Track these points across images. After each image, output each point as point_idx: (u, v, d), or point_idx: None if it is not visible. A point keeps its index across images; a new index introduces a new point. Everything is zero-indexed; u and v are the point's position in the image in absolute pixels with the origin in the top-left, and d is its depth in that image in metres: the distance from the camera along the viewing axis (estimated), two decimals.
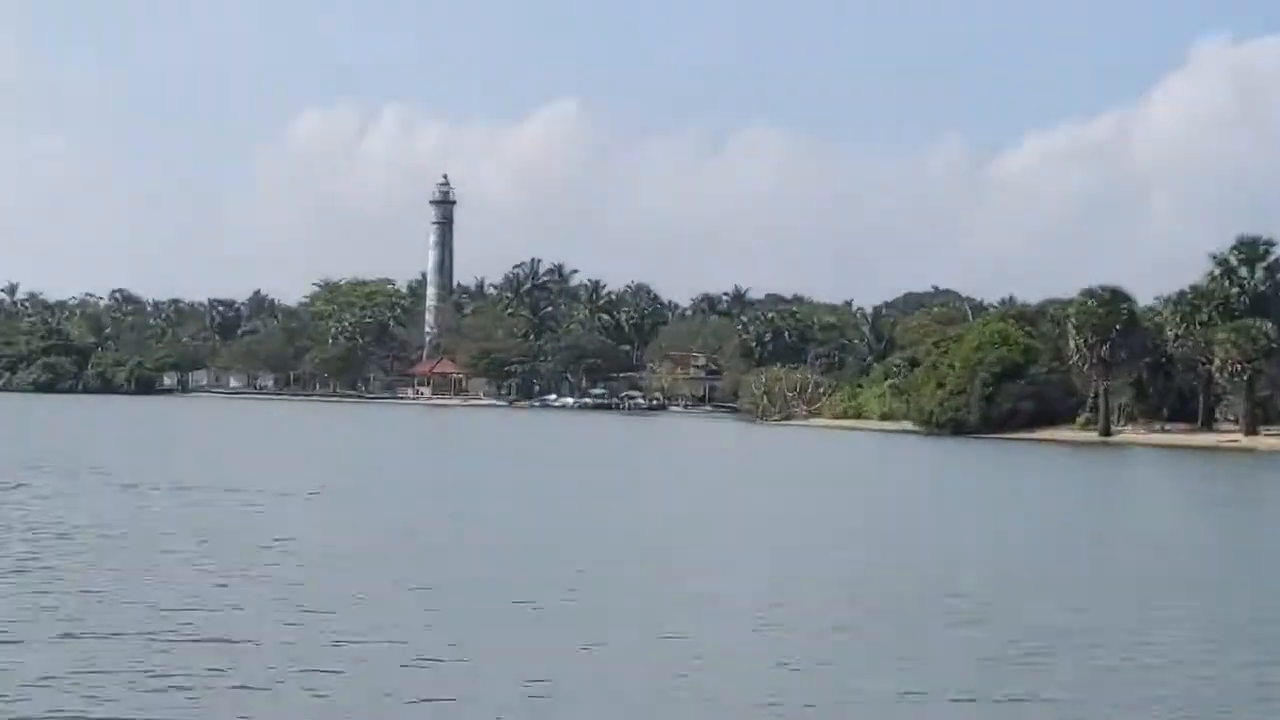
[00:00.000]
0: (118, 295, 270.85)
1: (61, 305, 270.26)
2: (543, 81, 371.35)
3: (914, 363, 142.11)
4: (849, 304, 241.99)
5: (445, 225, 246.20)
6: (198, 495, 47.24)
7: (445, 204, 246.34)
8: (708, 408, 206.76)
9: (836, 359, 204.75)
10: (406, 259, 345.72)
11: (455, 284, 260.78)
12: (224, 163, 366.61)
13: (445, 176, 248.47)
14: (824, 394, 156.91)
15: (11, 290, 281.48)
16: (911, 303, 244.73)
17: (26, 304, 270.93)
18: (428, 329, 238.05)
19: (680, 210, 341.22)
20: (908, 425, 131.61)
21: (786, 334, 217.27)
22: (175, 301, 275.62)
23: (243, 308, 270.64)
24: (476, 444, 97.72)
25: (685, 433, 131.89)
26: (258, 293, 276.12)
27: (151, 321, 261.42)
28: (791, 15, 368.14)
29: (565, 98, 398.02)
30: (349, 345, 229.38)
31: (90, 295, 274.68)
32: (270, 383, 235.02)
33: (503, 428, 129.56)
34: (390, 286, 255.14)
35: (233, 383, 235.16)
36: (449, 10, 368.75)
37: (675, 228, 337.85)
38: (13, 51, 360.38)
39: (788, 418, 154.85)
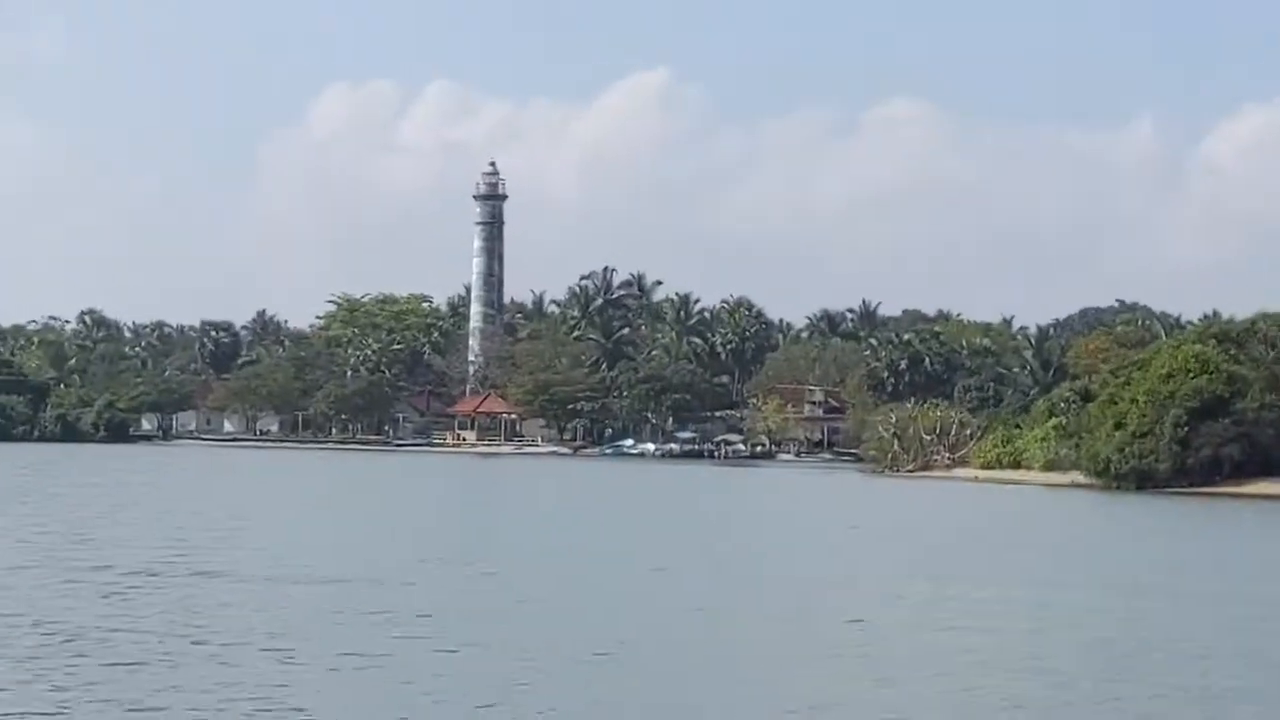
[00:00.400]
0: (87, 318, 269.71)
1: (19, 331, 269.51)
2: (625, 48, 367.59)
3: (1086, 395, 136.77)
4: (1008, 322, 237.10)
5: (493, 226, 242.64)
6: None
7: (493, 199, 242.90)
8: (826, 455, 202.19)
9: (991, 392, 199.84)
10: (449, 272, 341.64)
11: (508, 300, 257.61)
12: (228, 155, 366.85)
13: (493, 164, 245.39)
14: (971, 437, 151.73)
15: None
16: (1089, 321, 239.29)
17: None
18: (471, 357, 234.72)
19: (797, 207, 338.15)
20: (1078, 477, 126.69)
21: (928, 361, 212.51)
22: (159, 325, 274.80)
23: (244, 332, 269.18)
24: (508, 508, 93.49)
25: (790, 490, 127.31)
26: (262, 313, 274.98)
27: (129, 350, 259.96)
28: None
29: (652, 68, 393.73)
30: (372, 378, 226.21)
31: (54, 319, 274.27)
32: (275, 426, 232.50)
33: (555, 485, 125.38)
34: (426, 304, 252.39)
35: (228, 426, 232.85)
36: None
37: (790, 229, 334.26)
38: None
39: (924, 468, 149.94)
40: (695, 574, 50.77)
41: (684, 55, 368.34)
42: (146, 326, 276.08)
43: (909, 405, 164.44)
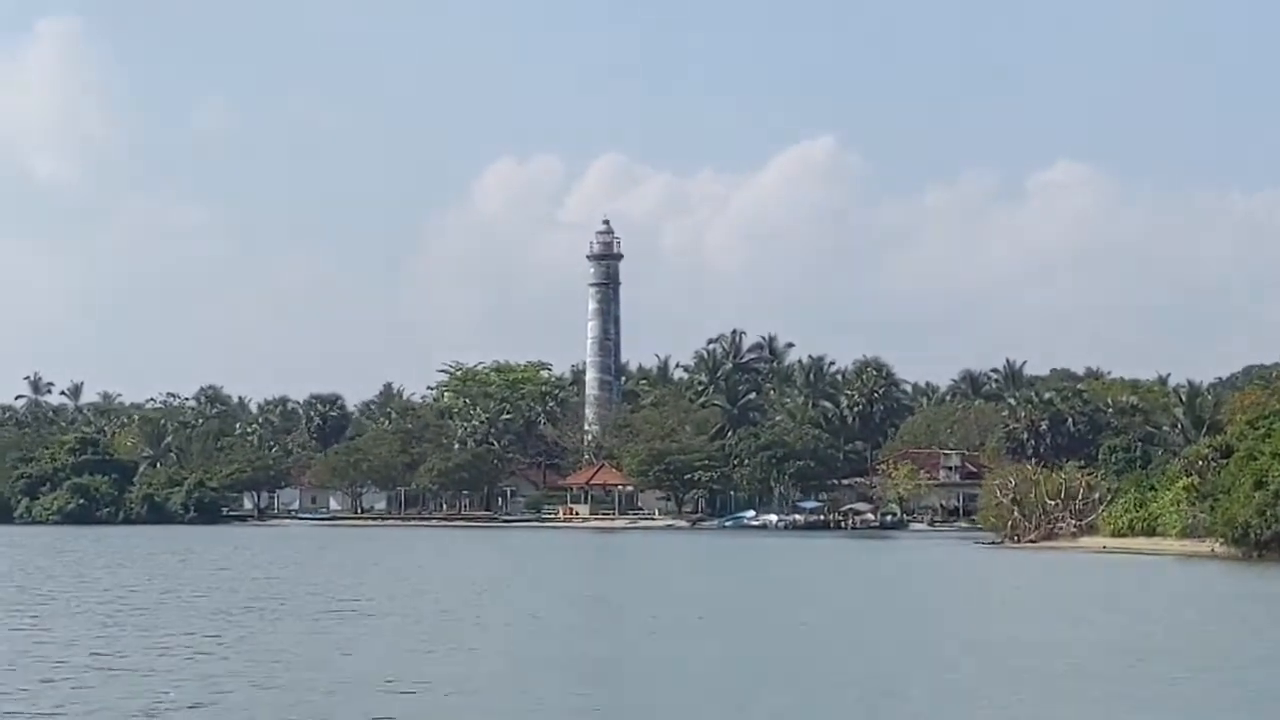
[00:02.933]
0: (203, 394, 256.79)
1: (136, 408, 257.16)
2: (791, 117, 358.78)
3: (1227, 451, 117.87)
4: (1163, 380, 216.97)
5: (607, 287, 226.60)
6: None
7: (607, 259, 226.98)
8: (963, 523, 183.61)
9: (1139, 453, 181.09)
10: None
11: (636, 367, 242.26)
12: (392, 233, 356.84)
13: (607, 222, 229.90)
14: (1100, 501, 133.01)
15: (75, 392, 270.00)
16: (1253, 379, 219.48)
17: (87, 410, 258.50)
18: (587, 426, 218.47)
19: (956, 272, 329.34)
20: (1217, 546, 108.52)
21: (1070, 421, 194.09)
22: (282, 401, 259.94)
23: (371, 407, 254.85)
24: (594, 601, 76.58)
25: (899, 567, 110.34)
26: (388, 386, 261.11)
27: (245, 428, 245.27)
28: (1102, 25, 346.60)
29: (816, 137, 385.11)
30: (479, 450, 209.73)
31: (173, 396, 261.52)
32: (383, 503, 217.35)
33: (654, 565, 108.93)
34: (546, 373, 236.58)
35: (333, 504, 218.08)
36: (674, 41, 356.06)
37: (947, 294, 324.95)
38: (154, 108, 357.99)
39: (1047, 537, 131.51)
40: None
41: (849, 123, 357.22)
42: (270, 403, 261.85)
43: (1027, 466, 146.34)
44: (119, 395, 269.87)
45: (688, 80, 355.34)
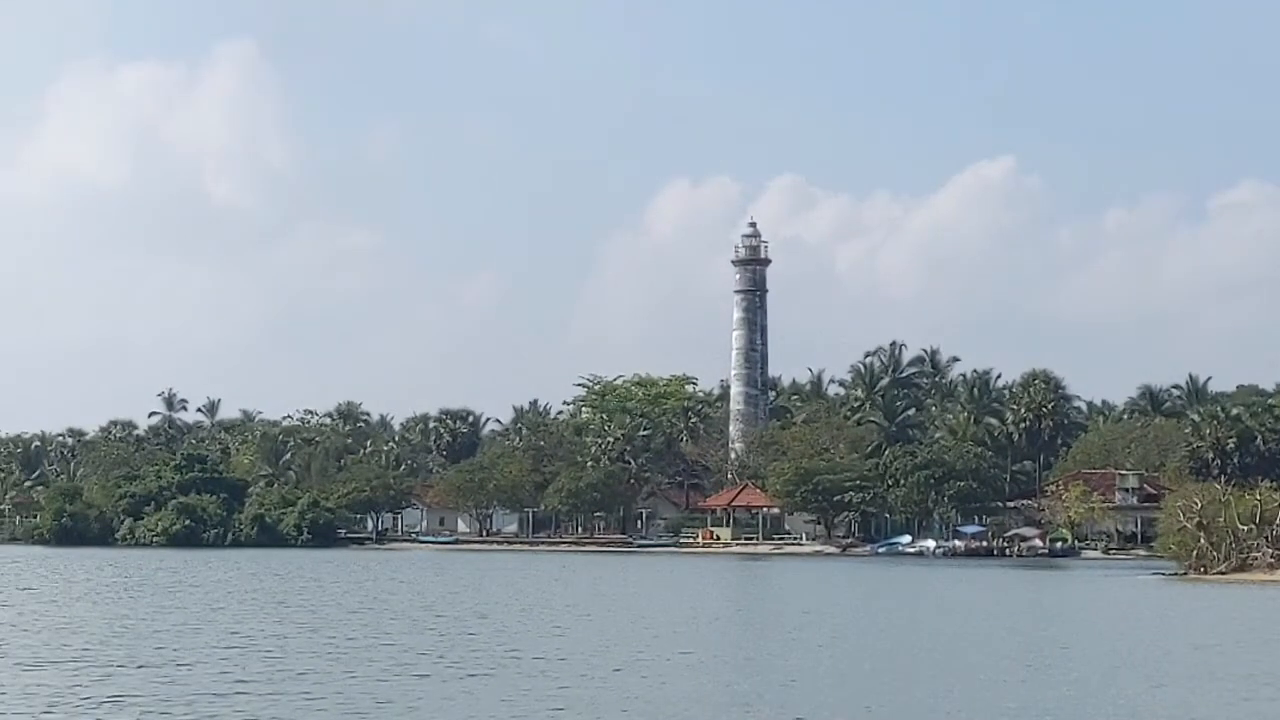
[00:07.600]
0: (338, 411, 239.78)
1: (273, 425, 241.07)
2: (971, 138, 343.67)
3: None
4: None
5: (753, 295, 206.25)
6: None
7: (752, 264, 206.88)
8: (1141, 550, 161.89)
9: None
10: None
11: (790, 382, 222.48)
12: (567, 258, 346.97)
13: (753, 224, 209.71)
14: None
15: (211, 409, 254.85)
16: None
17: (215, 428, 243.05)
18: (731, 443, 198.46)
19: (1134, 294, 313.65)
20: None
21: (1260, 438, 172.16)
22: (423, 419, 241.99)
23: (504, 423, 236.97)
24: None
25: (1064, 602, 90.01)
26: (534, 403, 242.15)
27: (380, 446, 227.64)
28: None
29: (998, 157, 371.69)
30: (612, 469, 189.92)
31: (309, 413, 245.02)
32: (514, 524, 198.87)
33: (808, 603, 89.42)
34: (691, 387, 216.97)
35: (461, 525, 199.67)
36: (850, 63, 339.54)
37: (1124, 316, 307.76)
38: (328, 132, 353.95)
39: (1240, 569, 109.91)
40: None
41: (1027, 145, 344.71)
42: (412, 420, 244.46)
43: (1214, 486, 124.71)
44: (260, 413, 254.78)
45: (865, 102, 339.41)
